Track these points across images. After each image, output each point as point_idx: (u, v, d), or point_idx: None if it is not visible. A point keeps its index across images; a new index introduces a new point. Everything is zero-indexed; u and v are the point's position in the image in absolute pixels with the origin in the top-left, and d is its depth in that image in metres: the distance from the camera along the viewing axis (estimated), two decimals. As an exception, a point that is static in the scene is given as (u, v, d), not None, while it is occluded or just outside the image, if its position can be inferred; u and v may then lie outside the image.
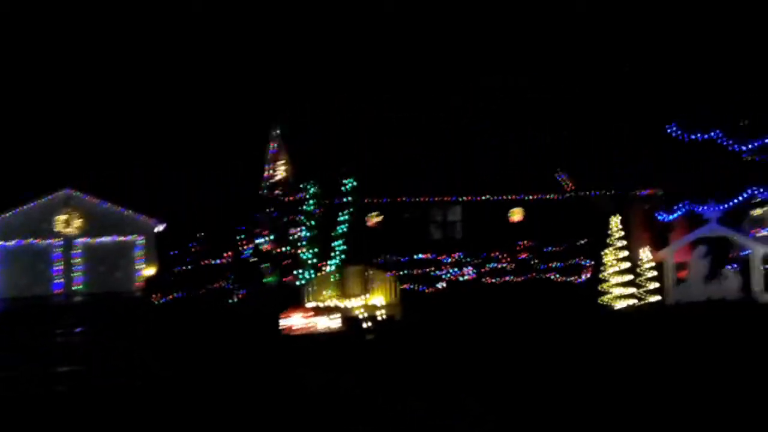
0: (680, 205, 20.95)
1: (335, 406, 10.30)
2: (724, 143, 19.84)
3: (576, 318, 19.25)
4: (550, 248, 27.59)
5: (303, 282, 18.32)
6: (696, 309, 19.74)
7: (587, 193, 28.24)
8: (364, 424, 9.39)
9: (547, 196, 28.52)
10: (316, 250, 18.48)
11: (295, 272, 18.99)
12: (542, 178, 28.80)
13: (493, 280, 27.32)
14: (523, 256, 27.51)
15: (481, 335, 16.10)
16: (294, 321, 15.43)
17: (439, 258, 27.20)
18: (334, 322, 15.80)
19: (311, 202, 18.74)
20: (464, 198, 28.14)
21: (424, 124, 28.96)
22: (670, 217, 21.45)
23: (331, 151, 23.56)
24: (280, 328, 15.49)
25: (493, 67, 30.36)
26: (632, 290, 20.58)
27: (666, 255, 21.07)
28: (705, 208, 20.66)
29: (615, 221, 21.08)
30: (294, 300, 17.22)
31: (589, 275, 26.39)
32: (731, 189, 19.87)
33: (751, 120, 20.55)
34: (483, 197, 28.20)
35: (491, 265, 27.52)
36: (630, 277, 20.65)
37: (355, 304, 17.60)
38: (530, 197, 28.38)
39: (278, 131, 27.83)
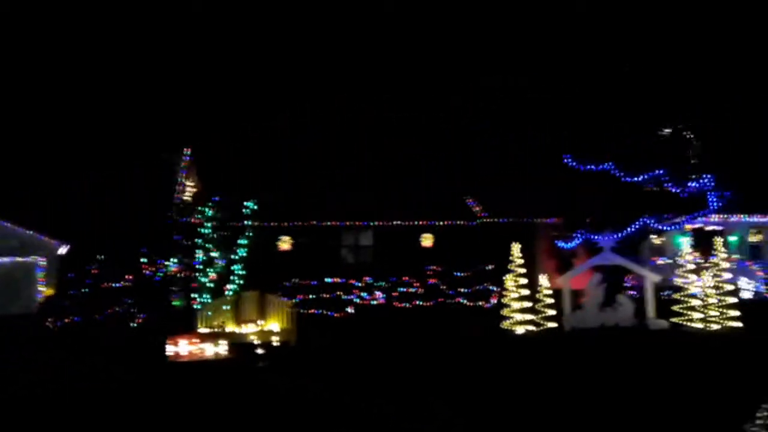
0: (578, 234, 21.34)
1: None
2: (617, 174, 20.38)
3: (475, 343, 19.29)
4: (459, 273, 27.76)
5: (199, 306, 17.81)
6: (590, 335, 20.03)
7: (496, 219, 28.60)
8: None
9: (457, 222, 28.75)
10: (213, 273, 17.99)
11: (193, 296, 18.46)
12: (453, 204, 29.04)
13: (404, 305, 27.30)
14: (433, 281, 27.60)
15: (373, 361, 15.89)
16: (181, 348, 14.92)
17: (349, 282, 27.03)
18: (221, 349, 15.34)
19: (208, 225, 18.27)
20: (376, 223, 28.12)
21: (337, 149, 28.88)
22: (569, 245, 21.83)
23: (235, 174, 23.18)
24: (166, 354, 14.95)
25: (412, 93, 30.46)
26: (531, 316, 20.84)
27: (563, 282, 21.41)
28: (600, 237, 21.12)
29: (516, 248, 21.33)
30: (188, 325, 16.69)
31: (495, 301, 26.63)
32: (625, 219, 20.37)
33: (642, 153, 21.22)
34: (394, 222, 28.24)
35: (401, 290, 27.50)
36: (530, 303, 20.92)
37: (250, 330, 17.20)
38: (440, 223, 28.55)
39: (189, 152, 27.27)
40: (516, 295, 20.88)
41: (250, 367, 14.81)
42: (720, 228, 30.10)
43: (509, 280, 21.00)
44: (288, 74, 29.06)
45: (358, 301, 26.92)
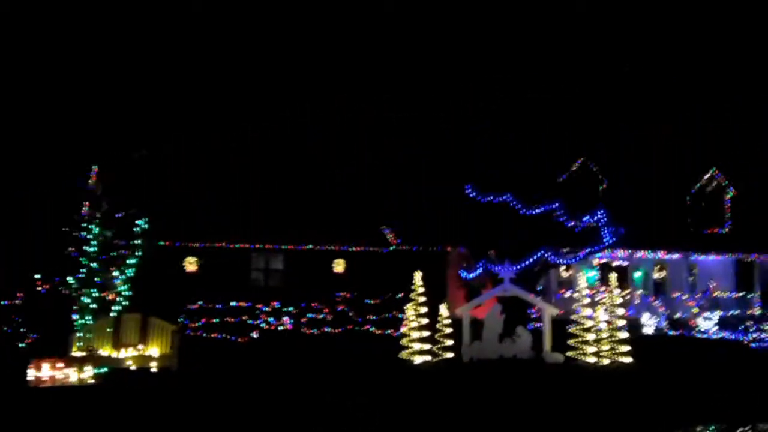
0: (479, 264, 21.15)
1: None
2: (516, 206, 20.32)
3: (368, 373, 18.79)
4: (368, 301, 27.30)
5: (78, 328, 16.84)
6: (486, 367, 19.74)
7: (409, 247, 28.26)
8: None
9: (371, 249, 28.32)
10: (96, 294, 17.09)
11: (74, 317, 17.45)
12: (368, 230, 28.61)
13: (312, 331, 26.65)
14: (342, 307, 27.05)
15: (254, 388, 15.22)
16: (43, 372, 13.97)
17: (256, 306, 26.26)
18: (86, 374, 14.43)
19: (94, 243, 17.37)
20: (287, 246, 27.47)
21: (251, 170, 28.19)
22: (470, 275, 21.61)
23: (140, 192, 22.29)
24: (28, 379, 13.96)
25: (328, 115, 30.01)
26: (430, 346, 20.46)
27: (463, 312, 21.12)
28: (500, 267, 20.95)
29: (417, 276, 20.97)
30: (60, 348, 15.73)
31: (403, 329, 26.26)
32: (524, 251, 20.27)
33: (539, 186, 21.26)
34: (307, 247, 27.65)
35: (310, 316, 26.86)
36: (429, 332, 20.55)
37: (129, 354, 16.30)
38: (354, 249, 28.08)
39: (95, 167, 26.16)
40: (415, 324, 20.48)
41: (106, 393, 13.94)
42: (626, 263, 30.46)
43: (409, 309, 20.60)
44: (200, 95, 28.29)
45: (264, 326, 26.18)
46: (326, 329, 26.70)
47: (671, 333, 28.17)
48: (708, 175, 31.26)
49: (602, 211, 20.98)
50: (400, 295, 27.02)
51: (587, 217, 20.81)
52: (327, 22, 32.33)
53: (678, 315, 29.76)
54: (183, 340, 18.74)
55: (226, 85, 28.89)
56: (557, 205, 20.47)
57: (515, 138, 21.88)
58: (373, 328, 26.89)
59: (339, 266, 28.11)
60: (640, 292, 30.20)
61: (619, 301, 20.66)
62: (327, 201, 28.47)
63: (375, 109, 27.64)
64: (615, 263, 30.69)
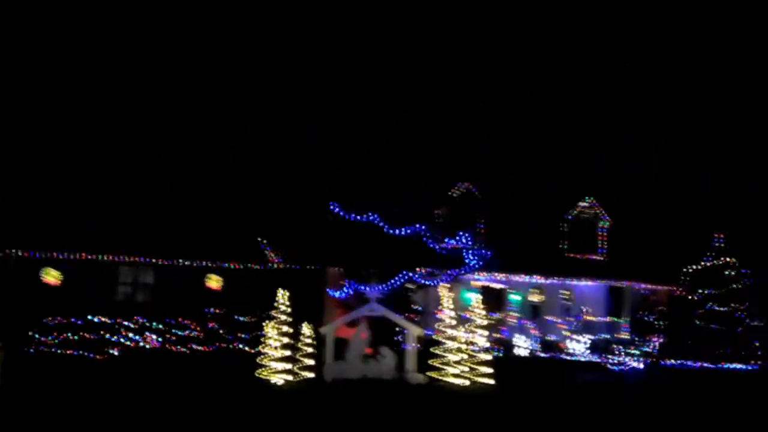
0: (348, 284, 20.59)
1: None
2: (381, 226, 19.93)
3: (224, 392, 17.81)
4: (241, 318, 26.27)
5: None
6: (347, 386, 19.12)
7: (288, 265, 27.44)
8: None
9: (248, 266, 27.35)
10: None
11: None
12: (246, 246, 27.60)
13: (180, 348, 25.37)
14: (212, 324, 25.92)
15: (79, 410, 14.01)
16: None
17: (118, 322, 24.77)
18: None
19: None
20: (158, 261, 26.15)
21: (122, 177, 26.80)
22: (338, 294, 21.03)
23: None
24: None
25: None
26: (291, 365, 19.67)
27: (327, 331, 20.46)
28: (366, 287, 20.45)
29: (282, 294, 20.18)
30: None
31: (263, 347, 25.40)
32: (390, 271, 19.87)
33: (405, 206, 21.00)
34: (180, 261, 26.42)
35: (178, 332, 25.59)
36: (290, 352, 19.77)
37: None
38: (230, 265, 27.05)
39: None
40: (277, 344, 19.65)
41: None
42: (504, 286, 30.65)
43: (270, 328, 19.76)
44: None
45: (127, 342, 24.71)
46: (195, 347, 25.50)
47: (542, 355, 28.37)
48: (584, 204, 31.96)
49: (467, 235, 20.86)
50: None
51: (452, 240, 20.62)
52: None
53: (551, 338, 30.10)
54: (22, 356, 17.23)
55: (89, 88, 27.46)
56: (423, 227, 20.20)
57: (390, 159, 21.60)
58: (245, 346, 25.86)
59: (214, 282, 26.99)
60: (515, 314, 30.39)
61: (484, 322, 20.47)
62: (204, 215, 27.35)
63: (253, 124, 26.88)
64: (494, 286, 30.85)
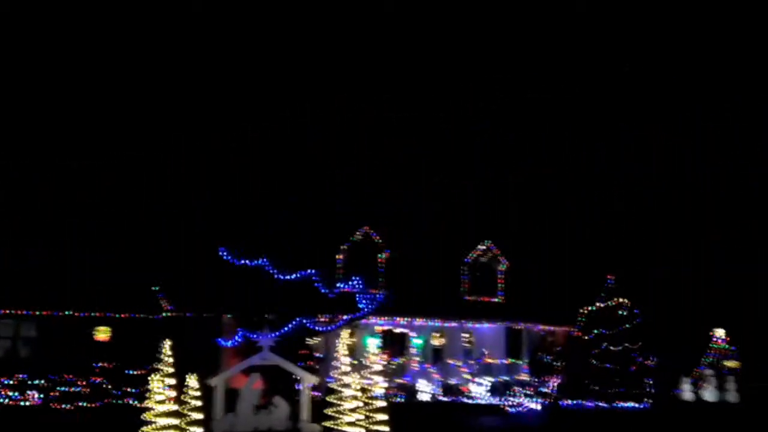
0: (239, 331, 19.79)
1: None
2: (271, 271, 19.37)
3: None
4: (131, 371, 24.86)
5: None
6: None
7: (182, 313, 26.29)
8: None
9: (139, 316, 26.05)
10: None
11: None
12: (136, 295, 26.32)
13: (63, 406, 23.70)
14: (99, 379, 24.40)
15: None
16: None
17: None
18: None
19: None
20: (41, 312, 24.57)
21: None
22: (228, 343, 20.18)
23: None
24: None
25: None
26: (178, 420, 18.56)
27: (217, 382, 19.52)
28: (258, 335, 19.72)
29: (166, 345, 19.15)
30: None
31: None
32: (282, 318, 19.26)
33: (295, 251, 20.58)
34: (65, 313, 24.91)
35: (62, 389, 23.94)
36: (176, 406, 18.68)
37: None
38: (119, 316, 25.68)
39: None
40: (161, 397, 18.53)
41: None
42: (406, 330, 30.38)
43: (154, 381, 18.64)
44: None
45: (5, 401, 22.90)
46: (80, 403, 23.89)
47: (444, 399, 28.11)
48: (483, 247, 32.33)
49: (359, 279, 20.52)
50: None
51: (342, 285, 20.25)
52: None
53: (452, 381, 29.91)
54: None
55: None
56: (313, 272, 19.76)
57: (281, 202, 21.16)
58: (134, 401, 24.38)
59: (102, 334, 25.55)
60: (417, 358, 30.11)
61: (378, 368, 20.03)
62: (91, 263, 26.01)
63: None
64: (397, 330, 30.55)
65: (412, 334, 30.29)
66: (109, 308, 25.40)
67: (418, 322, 30.09)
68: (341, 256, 28.49)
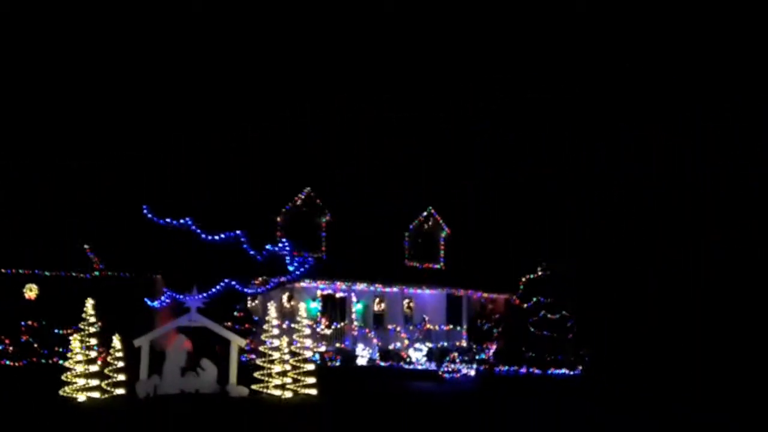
0: (165, 292, 19.08)
1: None
2: (196, 232, 18.61)
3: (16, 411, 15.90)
4: (59, 331, 23.98)
5: None
6: (161, 402, 17.62)
7: (115, 273, 25.40)
8: None
9: (69, 274, 25.08)
10: None
11: None
12: (66, 253, 25.28)
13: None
14: (26, 338, 23.48)
15: None
16: None
17: None
18: None
19: None
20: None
21: None
22: (156, 304, 19.46)
23: None
24: None
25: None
26: (100, 381, 17.92)
27: (142, 343, 18.83)
28: (186, 296, 19.04)
29: (90, 304, 18.40)
30: None
31: (101, 362, 23.30)
32: (209, 279, 18.57)
33: (222, 211, 19.84)
34: (-9, 269, 23.81)
35: (-12, 347, 22.97)
36: (97, 367, 18.03)
37: None
38: (48, 273, 24.68)
39: None
40: (82, 358, 17.83)
41: None
42: (346, 295, 29.99)
43: (75, 341, 17.92)
44: None
45: None
46: (6, 362, 22.99)
47: (382, 364, 27.91)
48: (425, 214, 31.99)
49: (285, 241, 19.91)
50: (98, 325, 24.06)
51: (270, 247, 19.61)
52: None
53: (392, 346, 29.73)
54: None
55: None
56: (240, 233, 19.04)
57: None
58: (63, 361, 23.54)
59: (31, 292, 24.56)
60: (356, 323, 29.80)
61: (307, 332, 19.58)
62: (21, 220, 24.88)
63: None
64: (338, 295, 30.15)
65: (353, 299, 29.89)
66: (38, 267, 24.35)
67: (359, 287, 29.68)
68: (281, 219, 27.80)
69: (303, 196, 28.69)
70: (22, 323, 23.62)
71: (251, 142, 26.86)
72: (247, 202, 25.28)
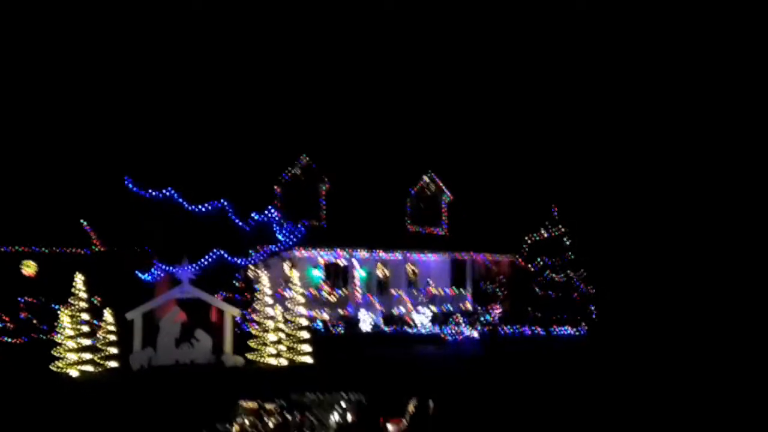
0: (156, 264, 18.52)
1: None
2: (180, 202, 17.93)
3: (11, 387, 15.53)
4: (58, 307, 23.56)
5: None
6: (156, 374, 17.20)
7: (114, 248, 24.91)
8: None
9: (68, 250, 24.65)
10: None
11: None
12: (65, 229, 24.83)
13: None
14: (25, 315, 23.13)
15: None
16: None
17: None
18: None
19: None
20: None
21: None
22: (147, 276, 18.92)
23: None
24: None
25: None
26: (92, 355, 17.53)
27: (134, 316, 18.37)
28: (178, 268, 18.50)
29: (80, 278, 17.93)
30: None
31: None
32: (198, 250, 17.97)
33: (204, 181, 19.13)
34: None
35: (-12, 325, 22.65)
36: (90, 341, 17.61)
37: None
38: (45, 250, 24.26)
39: None
40: (74, 332, 17.41)
41: None
42: (347, 263, 29.38)
43: (64, 315, 17.49)
44: None
45: None
46: (5, 339, 22.68)
47: (386, 330, 27.40)
48: (426, 178, 31.18)
49: (272, 210, 19.18)
50: (97, 300, 23.67)
51: (257, 216, 18.91)
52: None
53: (396, 312, 29.21)
54: None
55: None
56: (226, 202, 18.35)
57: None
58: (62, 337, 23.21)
59: (29, 269, 24.16)
60: (361, 290, 29.24)
61: (301, 300, 19.01)
62: (18, 196, 24.39)
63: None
64: (340, 262, 29.58)
65: (356, 265, 29.27)
66: (36, 243, 23.91)
67: (361, 253, 29.05)
68: (279, 188, 27.14)
69: (301, 164, 27.96)
70: (21, 300, 23.22)
71: (245, 110, 26.05)
72: (245, 172, 24.56)
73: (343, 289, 29.01)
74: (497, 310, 30.01)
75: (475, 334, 25.76)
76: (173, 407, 12.91)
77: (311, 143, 28.35)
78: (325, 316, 27.40)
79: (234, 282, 22.43)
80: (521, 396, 14.02)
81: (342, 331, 26.26)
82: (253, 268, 24.40)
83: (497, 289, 30.60)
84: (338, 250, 28.44)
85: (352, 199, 29.01)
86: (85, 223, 24.84)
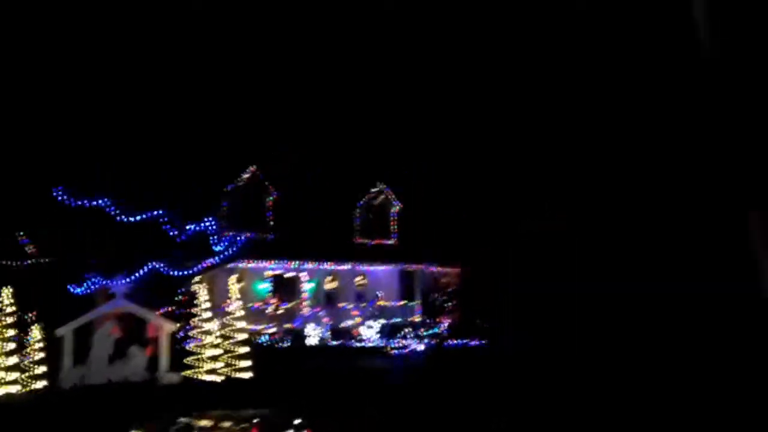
0: (90, 278, 17.82)
1: None
2: (113, 213, 17.33)
3: None
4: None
5: None
6: (88, 393, 16.48)
7: (48, 260, 23.95)
8: None
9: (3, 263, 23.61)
10: None
11: None
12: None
13: None
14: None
15: None
16: None
17: None
18: None
19: None
20: None
21: None
22: (80, 290, 18.20)
23: None
24: None
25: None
26: (17, 375, 16.70)
27: (65, 332, 17.62)
28: (112, 281, 17.83)
29: (7, 293, 17.11)
30: None
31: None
32: (131, 263, 17.36)
33: (148, 192, 18.55)
34: None
35: None
36: (16, 359, 16.78)
37: None
38: (-22, 263, 23.17)
39: None
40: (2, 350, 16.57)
41: None
42: (295, 274, 28.90)
43: (-12, 332, 16.63)
44: None
45: None
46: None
47: (333, 343, 26.96)
48: (375, 189, 30.94)
49: (211, 220, 18.69)
50: (32, 315, 22.72)
51: (193, 225, 18.39)
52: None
53: (344, 325, 28.81)
54: None
55: None
56: (162, 212, 17.78)
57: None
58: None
59: (-39, 282, 23.02)
60: (308, 302, 28.77)
61: (240, 314, 18.52)
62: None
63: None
64: (288, 275, 29.06)
65: (304, 278, 28.82)
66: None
67: (309, 265, 28.61)
68: (225, 199, 26.57)
69: (248, 175, 27.46)
70: (-48, 315, 22.10)
71: (192, 120, 25.44)
72: (190, 183, 23.95)
73: (291, 302, 28.50)
74: (446, 322, 29.86)
75: (421, 347, 25.49)
76: None
77: (258, 154, 27.86)
78: (272, 330, 26.87)
79: (177, 296, 21.78)
80: (451, 408, 13.77)
81: (288, 345, 25.75)
82: (197, 280, 23.77)
83: (446, 301, 30.45)
84: (286, 262, 27.95)
85: (300, 210, 28.59)
86: (21, 234, 23.86)
